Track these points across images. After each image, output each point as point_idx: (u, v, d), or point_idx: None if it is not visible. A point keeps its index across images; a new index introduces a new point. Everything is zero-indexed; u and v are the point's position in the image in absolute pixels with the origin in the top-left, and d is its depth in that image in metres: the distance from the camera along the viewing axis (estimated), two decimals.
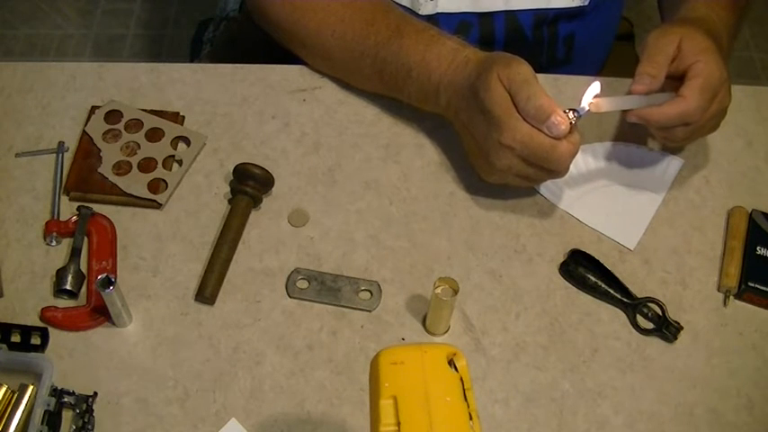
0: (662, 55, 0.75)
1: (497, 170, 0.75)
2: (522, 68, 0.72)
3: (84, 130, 0.84)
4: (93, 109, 0.86)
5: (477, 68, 0.75)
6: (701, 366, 0.73)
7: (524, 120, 0.72)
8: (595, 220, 0.81)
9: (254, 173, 0.78)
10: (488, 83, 0.72)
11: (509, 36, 0.91)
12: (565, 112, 0.71)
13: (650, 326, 0.75)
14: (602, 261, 0.77)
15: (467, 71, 0.76)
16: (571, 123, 0.72)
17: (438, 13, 0.89)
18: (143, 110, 0.85)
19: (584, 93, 0.73)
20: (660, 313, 0.75)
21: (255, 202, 0.79)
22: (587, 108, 0.73)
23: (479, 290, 0.76)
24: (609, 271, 0.77)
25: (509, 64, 0.72)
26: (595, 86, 0.73)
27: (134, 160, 0.82)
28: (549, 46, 0.94)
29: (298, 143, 0.85)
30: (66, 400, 0.67)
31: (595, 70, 1.02)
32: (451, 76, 0.77)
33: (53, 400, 0.67)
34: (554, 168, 0.74)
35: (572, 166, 0.75)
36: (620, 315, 0.75)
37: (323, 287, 0.75)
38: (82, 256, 0.76)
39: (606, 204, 0.82)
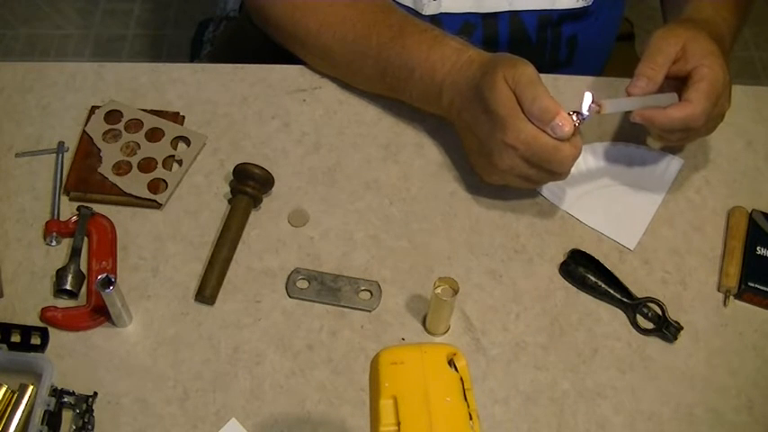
0: (662, 56, 0.75)
1: (499, 170, 0.75)
2: (528, 69, 0.72)
3: (84, 130, 0.84)
4: (93, 109, 0.86)
5: (482, 68, 0.75)
6: (701, 366, 0.73)
7: (529, 120, 0.72)
8: (595, 220, 0.81)
9: (254, 173, 0.78)
10: (493, 83, 0.72)
11: (513, 37, 0.91)
12: (569, 114, 0.72)
13: (650, 326, 0.75)
14: (602, 261, 0.77)
15: (471, 71, 0.76)
16: (575, 126, 0.72)
17: (441, 14, 0.89)
18: (143, 110, 0.85)
19: (583, 99, 0.73)
20: (660, 313, 0.75)
21: (255, 202, 0.79)
22: (589, 113, 0.73)
23: (479, 290, 0.76)
24: (609, 271, 0.77)
25: (514, 65, 0.73)
26: (587, 97, 0.73)
27: (134, 160, 0.82)
28: (552, 47, 0.94)
29: (298, 143, 0.85)
30: (66, 400, 0.67)
31: (596, 71, 1.02)
32: (455, 77, 0.77)
33: (53, 400, 0.67)
34: (556, 170, 0.74)
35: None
36: (620, 315, 0.75)
37: (323, 287, 0.75)
38: (82, 256, 0.76)
39: (606, 204, 0.82)
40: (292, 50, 0.90)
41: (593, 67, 1.00)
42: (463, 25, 0.90)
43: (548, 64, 0.95)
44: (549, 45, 0.94)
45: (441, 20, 0.89)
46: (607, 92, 0.79)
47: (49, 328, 0.72)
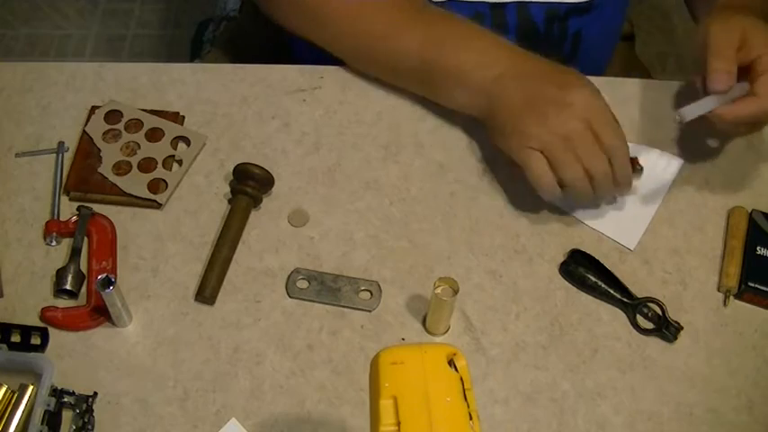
0: (730, 49, 0.74)
1: (551, 133, 0.74)
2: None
3: (84, 130, 0.84)
4: (93, 109, 0.86)
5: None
6: (701, 366, 0.73)
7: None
8: (595, 220, 0.81)
9: (254, 173, 0.78)
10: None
11: (521, 28, 0.91)
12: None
13: (650, 326, 0.75)
14: (602, 261, 0.77)
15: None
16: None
17: (452, 1, 0.88)
18: (143, 110, 0.85)
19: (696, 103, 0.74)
20: (660, 313, 0.75)
21: (255, 202, 0.79)
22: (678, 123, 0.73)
23: (479, 290, 0.76)
24: (609, 271, 0.77)
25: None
26: (710, 100, 0.74)
27: (134, 160, 0.82)
28: (557, 43, 0.94)
29: (298, 143, 0.85)
30: (66, 400, 0.67)
31: (599, 69, 1.02)
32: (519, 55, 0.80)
33: (53, 400, 0.67)
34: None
35: None
36: (620, 315, 0.75)
37: (323, 287, 0.75)
38: (82, 256, 0.76)
39: (606, 204, 0.82)
40: (307, 35, 0.88)
41: (595, 65, 1.00)
42: (473, 15, 0.90)
43: (552, 59, 0.95)
44: (554, 40, 0.94)
45: (451, 8, 0.88)
46: (606, 91, 0.78)
47: (49, 328, 0.72)
